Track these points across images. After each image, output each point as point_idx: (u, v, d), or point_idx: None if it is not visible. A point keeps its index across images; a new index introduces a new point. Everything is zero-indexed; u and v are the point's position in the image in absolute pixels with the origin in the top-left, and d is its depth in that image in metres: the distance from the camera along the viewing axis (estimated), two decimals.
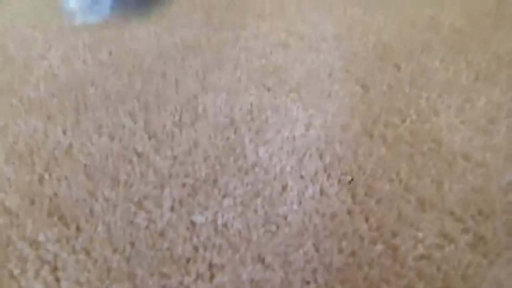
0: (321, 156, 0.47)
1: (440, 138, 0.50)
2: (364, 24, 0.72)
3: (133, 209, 0.41)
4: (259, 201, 0.42)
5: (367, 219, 0.42)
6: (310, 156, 0.46)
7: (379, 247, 0.39)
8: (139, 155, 0.47)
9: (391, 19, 0.74)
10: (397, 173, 0.46)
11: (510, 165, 0.47)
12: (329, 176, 0.45)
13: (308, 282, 0.37)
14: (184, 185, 0.44)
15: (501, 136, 0.51)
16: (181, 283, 0.36)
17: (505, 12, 0.78)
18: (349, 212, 0.42)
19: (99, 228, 0.39)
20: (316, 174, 0.45)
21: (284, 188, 0.43)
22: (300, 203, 0.43)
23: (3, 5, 0.72)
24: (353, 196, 0.44)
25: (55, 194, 0.42)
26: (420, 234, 0.40)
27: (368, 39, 0.68)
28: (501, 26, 0.73)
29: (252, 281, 0.36)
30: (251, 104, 0.53)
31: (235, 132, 0.49)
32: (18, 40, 0.64)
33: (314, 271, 0.37)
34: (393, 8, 0.78)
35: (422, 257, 0.39)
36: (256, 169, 0.45)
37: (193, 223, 0.40)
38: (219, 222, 0.40)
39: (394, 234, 0.40)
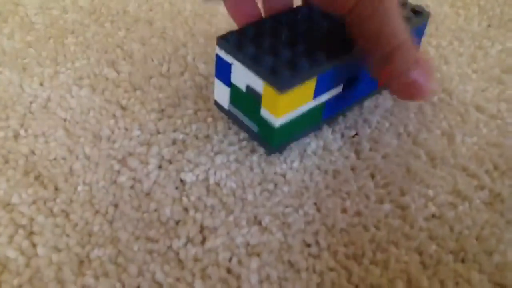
0: None
1: (451, 88, 0.46)
2: None
3: (116, 167, 0.38)
4: (255, 157, 0.39)
5: (373, 176, 0.38)
6: None
7: (387, 206, 0.36)
8: (123, 108, 0.43)
9: None
10: (405, 126, 0.42)
11: None
12: (332, 130, 0.41)
13: (309, 245, 0.33)
14: (173, 140, 0.40)
15: None
16: (169, 247, 0.33)
17: None
18: (353, 169, 0.39)
19: (79, 189, 0.36)
20: (318, 128, 0.41)
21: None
22: (301, 160, 0.39)
23: None
24: (358, 152, 0.40)
25: (32, 152, 0.39)
26: (431, 192, 0.37)
27: None
28: None
29: (247, 244, 0.33)
30: None
31: None
32: None
33: (316, 233, 0.34)
34: None
35: (433, 216, 0.35)
36: None
37: (182, 182, 0.37)
38: (211, 180, 0.37)
39: (403, 192, 0.37)
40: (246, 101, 0.37)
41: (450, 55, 0.51)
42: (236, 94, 0.38)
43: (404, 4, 0.43)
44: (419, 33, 0.44)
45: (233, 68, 0.37)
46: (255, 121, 0.38)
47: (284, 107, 0.35)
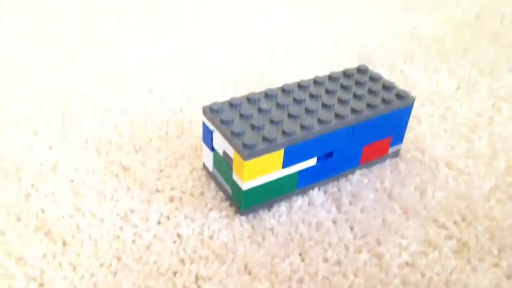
0: None
1: (423, 146, 0.51)
2: (348, 35, 0.73)
3: (119, 223, 0.41)
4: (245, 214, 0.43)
5: (352, 228, 0.42)
6: None
7: (364, 255, 0.39)
8: (125, 169, 0.47)
9: (374, 30, 0.75)
10: (382, 182, 0.47)
11: (491, 172, 0.48)
12: (318, 188, 0.45)
13: None
14: (170, 198, 0.44)
15: (483, 144, 0.52)
16: None
17: (485, 22, 0.79)
18: (335, 221, 0.43)
19: (86, 243, 0.40)
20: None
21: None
22: (287, 214, 0.43)
23: None
24: (338, 206, 0.44)
25: (42, 210, 0.42)
26: (405, 242, 0.41)
27: (352, 50, 0.69)
28: (482, 36, 0.75)
29: None
30: None
31: None
32: (2, 53, 0.64)
33: (300, 280, 0.38)
34: (376, 19, 0.79)
35: (406, 264, 0.39)
36: None
37: (179, 236, 0.41)
38: (205, 234, 0.41)
39: (379, 242, 0.41)
40: (223, 165, 0.42)
41: (422, 115, 0.56)
42: (217, 158, 0.43)
43: (391, 88, 0.46)
44: (404, 115, 0.46)
45: (214, 135, 0.42)
46: (229, 184, 0.42)
47: (250, 173, 0.39)
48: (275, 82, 0.61)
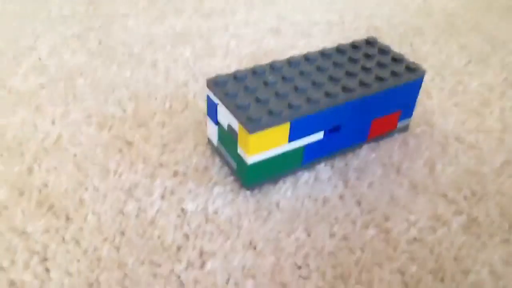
0: None
1: (433, 121, 0.50)
2: (356, 9, 0.72)
3: (123, 198, 0.41)
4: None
5: (359, 203, 0.41)
6: None
7: (371, 230, 0.39)
8: (129, 144, 0.46)
9: (382, 4, 0.73)
10: (390, 157, 0.46)
11: (502, 147, 0.47)
12: (325, 163, 0.45)
13: (299, 267, 0.36)
14: (174, 173, 0.43)
15: (494, 118, 0.51)
16: (172, 271, 0.36)
17: None
18: (341, 197, 0.42)
19: (89, 218, 0.39)
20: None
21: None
22: (293, 189, 0.42)
23: None
24: (345, 181, 0.43)
25: (45, 185, 0.42)
26: (413, 217, 0.40)
27: (360, 24, 0.67)
28: (493, 8, 0.73)
29: (243, 267, 0.36)
30: None
31: None
32: (4, 31, 0.63)
33: (306, 256, 0.37)
34: None
35: (414, 240, 0.38)
36: None
37: (183, 211, 0.40)
38: (210, 209, 0.40)
39: (387, 218, 0.40)
40: (228, 139, 0.41)
41: (432, 89, 0.55)
42: (221, 132, 0.42)
43: (400, 60, 0.45)
44: (414, 88, 0.45)
45: (218, 108, 0.41)
46: (234, 158, 0.41)
47: (255, 147, 0.38)
48: (281, 56, 0.60)
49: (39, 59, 0.58)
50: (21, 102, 0.51)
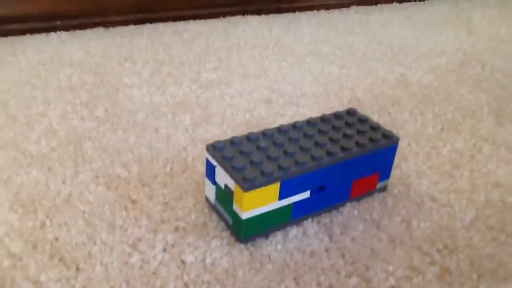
0: None
1: (409, 182, 0.55)
2: (340, 82, 0.79)
3: (128, 250, 0.45)
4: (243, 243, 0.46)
5: (343, 255, 0.46)
6: None
7: (354, 280, 0.43)
8: (133, 202, 0.51)
9: (364, 77, 0.81)
10: (370, 214, 0.50)
11: (471, 205, 0.52)
12: (312, 219, 0.49)
13: None
14: (175, 228, 0.48)
15: (464, 180, 0.56)
16: None
17: (467, 69, 0.85)
18: (327, 250, 0.46)
19: (97, 269, 0.43)
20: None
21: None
22: (283, 243, 0.46)
23: (5, 64, 0.77)
24: (330, 235, 0.48)
25: (56, 239, 0.46)
26: (391, 268, 0.44)
27: (343, 95, 0.74)
28: (464, 81, 0.80)
29: None
30: None
31: None
32: (19, 98, 0.69)
33: None
34: (366, 67, 0.85)
35: (392, 287, 0.42)
36: None
37: (183, 262, 0.44)
38: (208, 260, 0.44)
39: (368, 268, 0.44)
40: (224, 197, 0.46)
41: (408, 154, 0.60)
42: (218, 191, 0.47)
43: (377, 128, 0.51)
44: (389, 153, 0.51)
45: (216, 170, 0.46)
46: (230, 214, 0.46)
47: (249, 204, 0.43)
48: (272, 124, 0.66)
49: (50, 124, 0.63)
50: (35, 164, 0.56)
